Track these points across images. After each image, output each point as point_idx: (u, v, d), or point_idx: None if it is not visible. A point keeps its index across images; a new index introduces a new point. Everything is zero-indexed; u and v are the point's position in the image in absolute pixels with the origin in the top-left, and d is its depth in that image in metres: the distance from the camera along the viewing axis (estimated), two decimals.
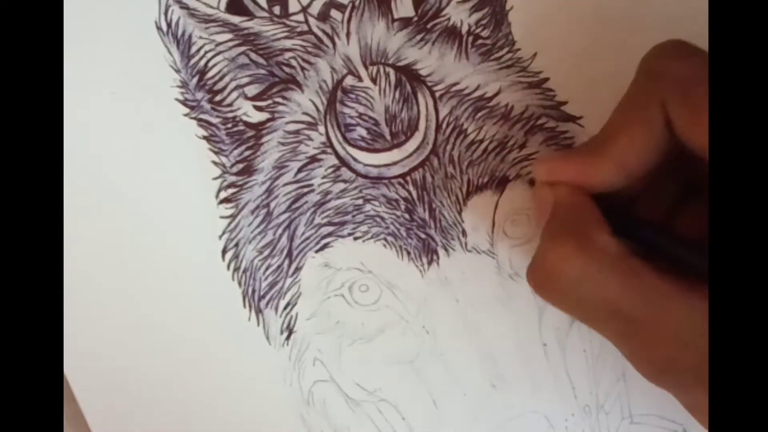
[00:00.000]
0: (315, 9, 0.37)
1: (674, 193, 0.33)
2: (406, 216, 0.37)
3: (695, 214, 0.33)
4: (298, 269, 0.37)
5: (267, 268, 0.37)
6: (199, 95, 0.37)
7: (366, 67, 0.37)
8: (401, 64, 0.37)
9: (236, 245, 0.37)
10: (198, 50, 0.37)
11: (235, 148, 0.37)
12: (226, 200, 0.37)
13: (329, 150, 0.37)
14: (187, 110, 0.37)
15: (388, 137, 0.37)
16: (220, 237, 0.37)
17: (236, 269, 0.37)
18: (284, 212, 0.37)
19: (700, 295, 0.28)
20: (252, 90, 0.37)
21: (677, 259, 0.30)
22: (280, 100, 0.37)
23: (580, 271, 0.29)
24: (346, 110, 0.37)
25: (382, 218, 0.37)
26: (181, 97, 0.37)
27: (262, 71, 0.37)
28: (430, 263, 0.37)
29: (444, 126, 0.37)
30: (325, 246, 0.37)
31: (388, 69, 0.37)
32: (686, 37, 0.36)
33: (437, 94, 0.37)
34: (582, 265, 0.29)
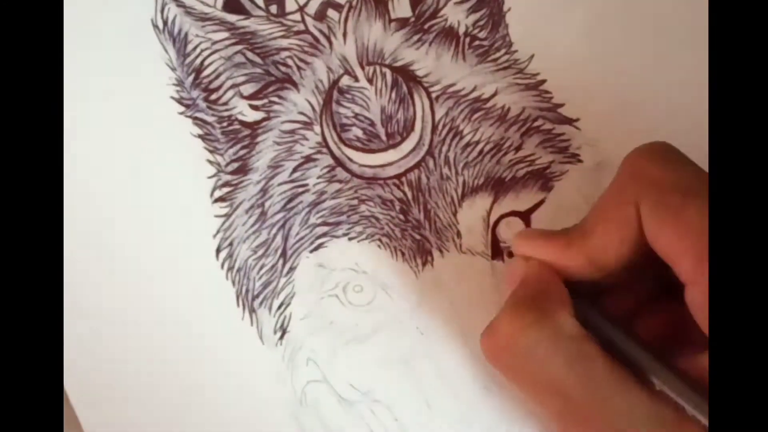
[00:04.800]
0: (312, 8, 0.37)
1: (644, 290, 0.34)
2: (401, 217, 0.37)
3: (660, 312, 0.33)
4: (292, 269, 0.37)
5: (261, 268, 0.37)
6: (194, 93, 0.37)
7: (362, 67, 0.37)
8: (398, 64, 0.37)
9: (230, 244, 0.37)
10: (194, 48, 0.37)
11: (230, 147, 0.37)
12: (220, 199, 0.37)
13: (325, 150, 0.37)
14: (182, 108, 0.37)
15: (384, 138, 0.37)
16: (215, 236, 0.37)
17: (230, 268, 0.37)
18: (279, 212, 0.37)
19: (645, 391, 0.28)
20: (248, 89, 0.37)
21: (629, 358, 0.30)
22: (275, 99, 0.37)
23: (532, 343, 0.30)
24: (342, 110, 0.37)
25: (377, 219, 0.37)
26: (176, 96, 0.37)
27: (258, 70, 0.37)
28: (424, 264, 0.37)
29: (440, 127, 0.37)
30: (320, 246, 0.37)
31: (384, 69, 0.37)
32: (683, 38, 0.37)
33: (433, 95, 0.37)
34: (535, 337, 0.30)
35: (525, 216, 0.37)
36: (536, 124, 0.37)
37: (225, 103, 0.37)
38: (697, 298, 0.28)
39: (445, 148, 0.37)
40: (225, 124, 0.37)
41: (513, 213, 0.37)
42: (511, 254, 0.35)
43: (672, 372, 0.29)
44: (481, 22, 0.37)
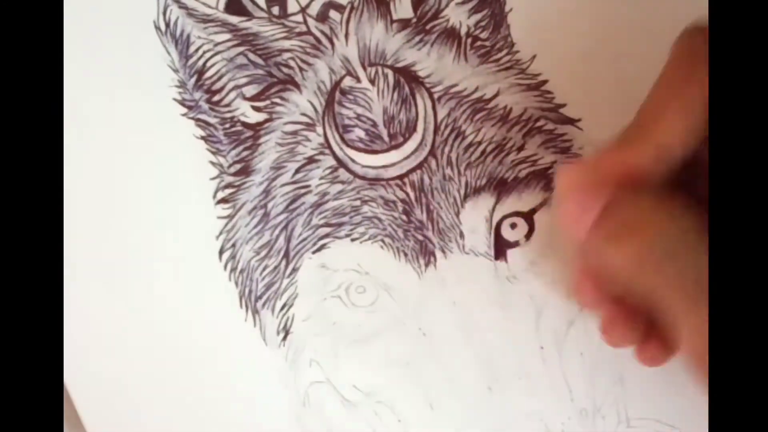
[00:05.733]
0: (314, 10, 0.37)
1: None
2: (404, 217, 0.37)
3: None
4: (295, 270, 0.37)
5: (264, 269, 0.37)
6: (197, 95, 0.37)
7: (364, 68, 0.37)
8: (400, 65, 0.37)
9: (233, 246, 0.37)
10: (196, 50, 0.37)
11: (233, 149, 0.37)
12: (223, 200, 0.37)
13: (327, 151, 0.37)
14: (185, 110, 0.37)
15: (386, 138, 0.37)
16: (218, 237, 0.37)
17: (233, 270, 0.37)
18: (281, 213, 0.37)
19: None
20: (250, 90, 0.37)
21: None
22: (278, 100, 0.37)
23: (681, 233, 0.27)
24: (345, 111, 0.37)
25: (380, 219, 0.37)
26: (179, 97, 0.37)
27: (261, 72, 0.37)
28: (427, 265, 0.37)
29: (442, 127, 0.37)
30: (323, 247, 0.37)
31: (386, 70, 0.37)
32: None
33: (436, 96, 0.37)
34: (682, 226, 0.27)
35: (528, 216, 0.37)
36: (538, 124, 0.37)
37: (227, 105, 0.37)
38: None
39: (447, 149, 0.37)
40: (227, 125, 0.37)
41: (516, 213, 0.37)
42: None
43: None
44: (483, 23, 0.37)
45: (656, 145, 0.29)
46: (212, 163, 0.37)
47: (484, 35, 0.37)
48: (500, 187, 0.37)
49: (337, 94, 0.37)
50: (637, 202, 0.29)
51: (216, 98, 0.37)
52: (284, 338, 0.37)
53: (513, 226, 0.37)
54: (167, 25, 0.37)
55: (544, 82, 0.37)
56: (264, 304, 0.37)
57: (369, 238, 0.37)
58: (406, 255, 0.37)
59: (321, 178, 0.37)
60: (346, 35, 0.37)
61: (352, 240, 0.37)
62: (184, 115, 0.37)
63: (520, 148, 0.37)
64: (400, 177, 0.37)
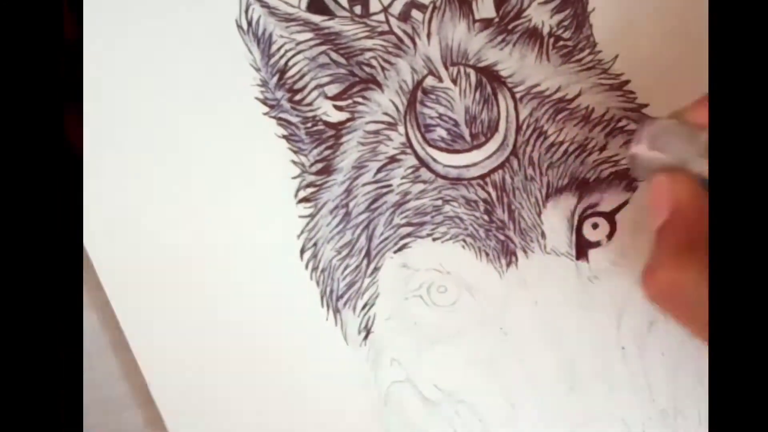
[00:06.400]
0: (396, 9, 0.37)
1: None
2: (485, 217, 0.37)
3: None
4: (376, 269, 0.37)
5: (345, 268, 0.37)
6: (279, 94, 0.37)
7: (446, 68, 0.37)
8: (482, 65, 0.37)
9: (315, 245, 0.37)
10: (278, 49, 0.37)
11: (315, 148, 0.37)
12: (305, 200, 0.37)
13: (409, 150, 0.37)
14: (267, 109, 0.37)
15: (468, 138, 0.37)
16: (299, 236, 0.37)
17: (314, 269, 0.37)
18: (363, 212, 0.37)
19: None
20: (332, 89, 0.37)
21: None
22: (360, 99, 0.37)
23: (697, 281, 0.28)
24: (426, 111, 0.37)
25: (461, 219, 0.37)
26: (261, 96, 0.37)
27: (343, 71, 0.37)
28: (508, 265, 0.37)
29: (524, 127, 0.37)
30: (404, 246, 0.37)
31: (468, 70, 0.37)
32: None
33: (518, 96, 0.37)
34: (700, 277, 0.28)
35: (609, 216, 0.37)
36: (621, 124, 0.37)
37: (309, 104, 0.37)
38: None
39: (529, 149, 0.37)
40: (309, 124, 0.37)
41: (597, 213, 0.37)
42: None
43: None
44: (566, 23, 0.37)
45: None
46: (294, 162, 0.37)
47: (566, 35, 0.37)
48: (582, 187, 0.37)
49: (419, 94, 0.37)
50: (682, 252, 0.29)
51: (298, 97, 0.37)
52: (365, 337, 0.37)
53: (594, 226, 0.37)
54: (249, 24, 0.37)
55: (627, 82, 0.37)
56: (345, 304, 0.37)
57: (450, 238, 0.37)
58: (487, 255, 0.37)
59: (402, 178, 0.37)
60: (428, 35, 0.37)
61: (434, 239, 0.37)
62: (266, 114, 0.37)
63: (602, 148, 0.37)
64: (482, 177, 0.37)
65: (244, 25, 0.37)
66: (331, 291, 0.37)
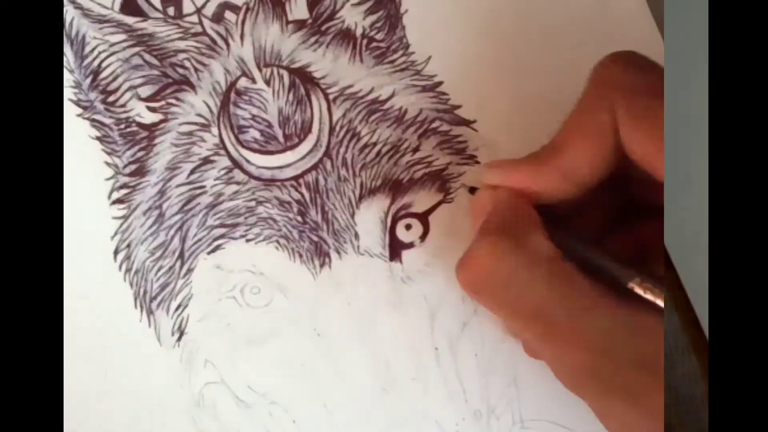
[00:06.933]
0: (209, 10, 0.37)
1: (613, 209, 0.34)
2: (299, 218, 0.37)
3: (629, 232, 0.33)
4: (190, 271, 0.37)
5: (159, 270, 0.37)
6: (92, 96, 0.37)
7: (260, 69, 0.37)
8: (295, 66, 0.37)
9: (128, 246, 0.37)
10: (92, 51, 0.37)
11: (128, 149, 0.37)
12: (118, 201, 0.37)
13: (222, 152, 0.37)
14: (80, 110, 0.37)
15: (282, 139, 0.37)
16: (112, 237, 0.37)
17: (128, 270, 0.37)
18: (176, 213, 0.37)
19: (624, 307, 0.28)
20: (145, 91, 0.37)
21: (606, 275, 0.30)
22: (173, 101, 0.37)
23: (511, 270, 0.29)
24: (240, 112, 0.37)
25: (275, 220, 0.37)
26: (74, 98, 0.37)
27: (156, 72, 0.37)
28: (322, 266, 0.37)
29: (337, 129, 0.37)
30: (218, 248, 0.37)
31: (281, 71, 0.37)
32: (579, 38, 0.37)
33: (331, 97, 0.37)
34: (514, 264, 0.29)
35: (423, 217, 0.37)
36: (434, 125, 0.37)
37: (123, 105, 0.37)
38: None
39: (342, 150, 0.37)
40: (123, 126, 0.37)
41: (411, 214, 0.37)
42: (472, 190, 0.34)
43: (649, 276, 0.30)
44: (379, 24, 0.37)
45: (562, 168, 0.31)
46: (107, 163, 0.37)
47: (379, 36, 0.37)
48: (395, 188, 0.37)
49: (233, 95, 0.37)
50: (496, 242, 0.30)
51: (111, 99, 0.37)
52: (179, 339, 0.37)
53: (408, 227, 0.37)
54: (63, 25, 0.37)
55: (440, 83, 0.37)
56: (159, 305, 0.37)
57: (264, 239, 0.37)
58: (301, 256, 0.37)
59: (216, 179, 0.37)
60: (242, 36, 0.37)
61: (247, 241, 0.37)
62: (79, 115, 0.37)
63: (416, 150, 0.37)
64: (296, 178, 0.37)
65: None
66: (145, 292, 0.37)
